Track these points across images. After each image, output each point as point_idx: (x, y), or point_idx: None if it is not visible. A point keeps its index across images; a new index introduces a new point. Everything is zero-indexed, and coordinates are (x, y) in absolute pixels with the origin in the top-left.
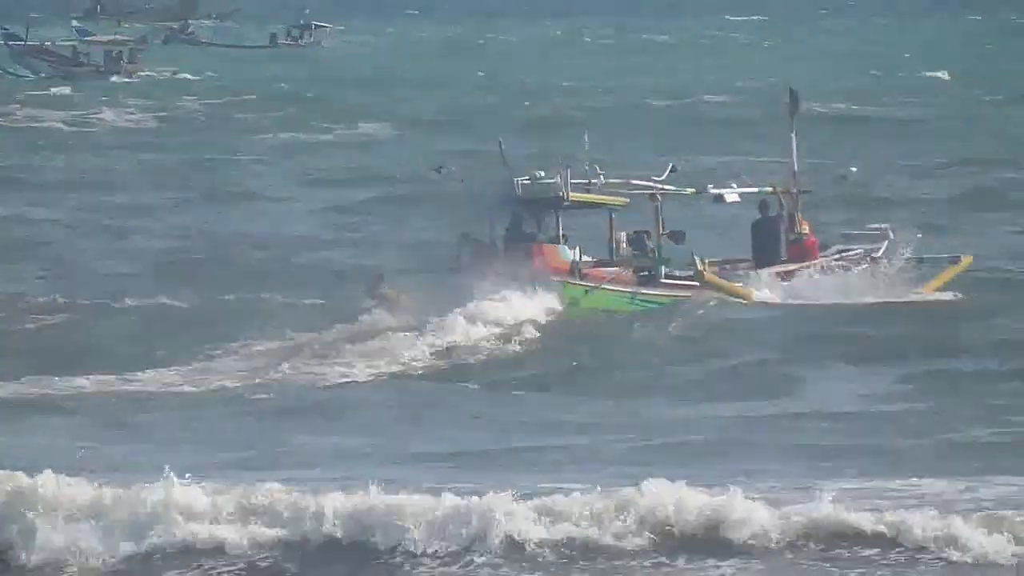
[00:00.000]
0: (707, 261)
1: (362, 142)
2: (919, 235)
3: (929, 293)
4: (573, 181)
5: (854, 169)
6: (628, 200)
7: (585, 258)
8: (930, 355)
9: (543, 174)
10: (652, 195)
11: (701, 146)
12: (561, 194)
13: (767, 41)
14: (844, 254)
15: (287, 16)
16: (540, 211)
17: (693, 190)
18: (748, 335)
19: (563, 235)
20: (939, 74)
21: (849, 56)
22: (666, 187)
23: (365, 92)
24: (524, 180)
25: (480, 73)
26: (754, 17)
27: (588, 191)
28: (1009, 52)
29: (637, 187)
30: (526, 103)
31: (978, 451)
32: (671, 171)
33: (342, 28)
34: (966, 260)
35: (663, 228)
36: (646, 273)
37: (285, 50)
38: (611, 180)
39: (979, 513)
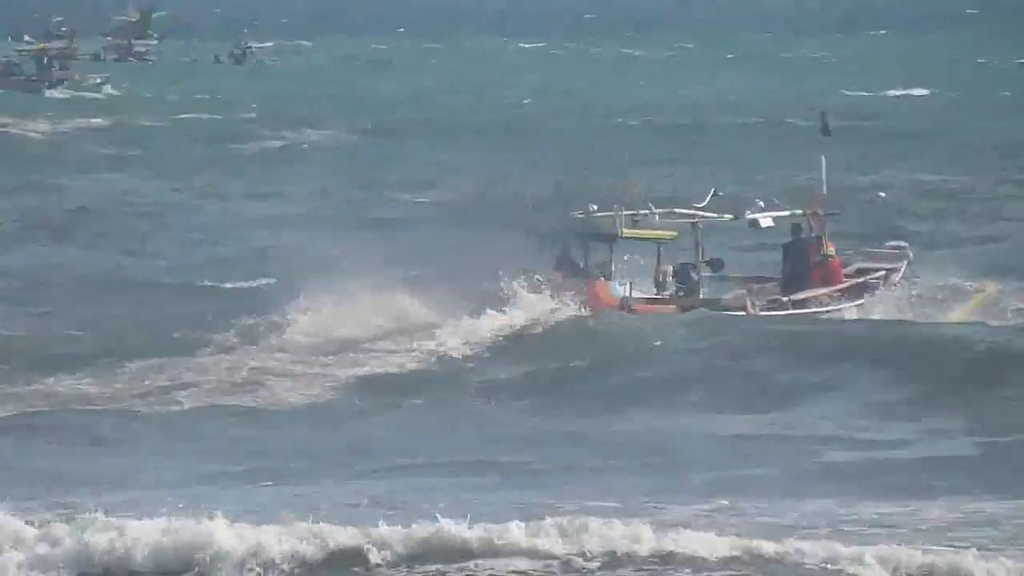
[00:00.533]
0: (733, 276)
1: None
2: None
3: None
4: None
5: (882, 194)
6: (677, 233)
7: (636, 293)
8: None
9: (596, 208)
10: (693, 224)
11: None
12: (616, 231)
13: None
14: (867, 276)
15: (250, 33)
16: (592, 244)
17: (731, 216)
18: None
19: (613, 270)
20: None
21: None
22: (707, 214)
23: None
24: (579, 214)
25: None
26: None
27: (636, 224)
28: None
29: (680, 216)
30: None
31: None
32: (713, 196)
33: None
34: (991, 288)
35: (702, 256)
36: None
37: (228, 66)
38: (656, 210)
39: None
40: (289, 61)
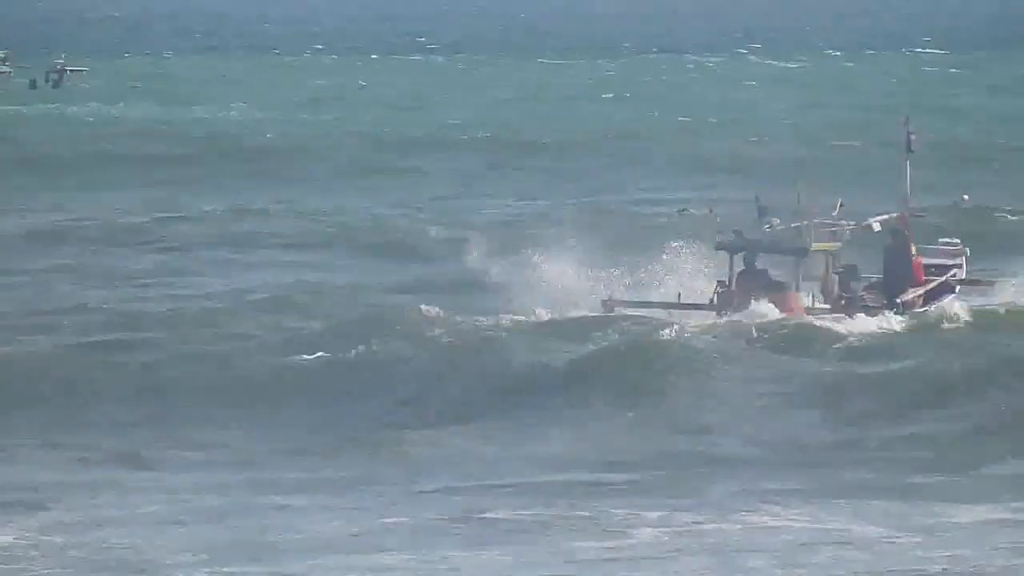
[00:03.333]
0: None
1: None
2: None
3: None
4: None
5: (966, 197)
6: (841, 244)
7: (820, 305)
8: None
9: (779, 221)
10: (832, 233)
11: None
12: (806, 244)
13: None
14: (947, 275)
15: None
16: (781, 257)
17: (855, 223)
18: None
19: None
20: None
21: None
22: (847, 223)
23: None
24: (768, 227)
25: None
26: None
27: (799, 234)
28: None
29: (831, 226)
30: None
31: None
32: (840, 207)
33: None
34: None
35: (837, 265)
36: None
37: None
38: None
39: None
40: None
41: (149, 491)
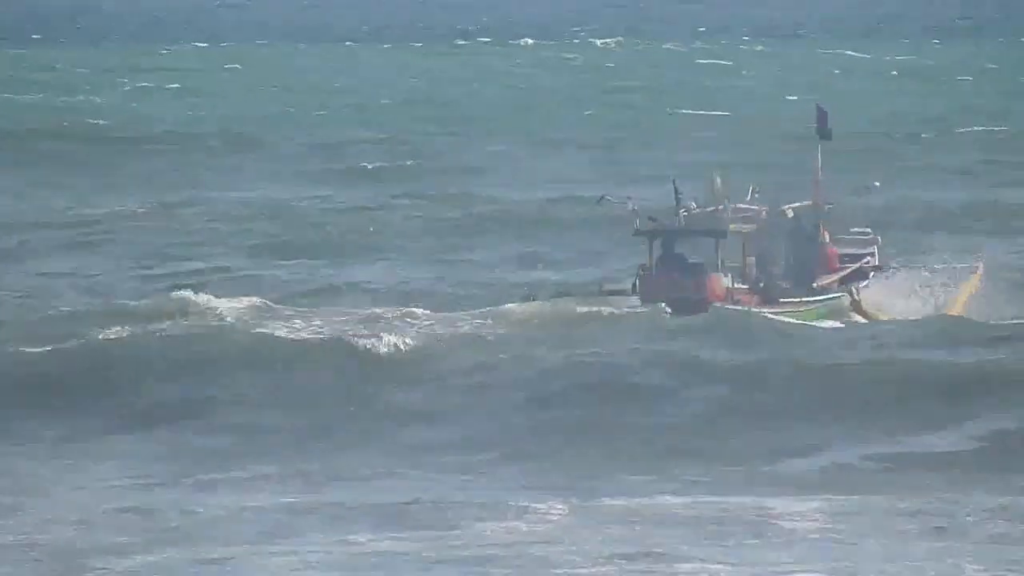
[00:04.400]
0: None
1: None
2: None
3: (957, 313)
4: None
5: (877, 184)
6: (756, 226)
7: (738, 284)
8: None
9: (695, 205)
10: (748, 217)
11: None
12: (725, 227)
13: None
14: (860, 262)
15: None
16: (699, 240)
17: (767, 208)
18: None
19: (720, 263)
20: None
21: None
22: (760, 208)
23: None
24: (685, 212)
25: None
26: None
27: (715, 217)
28: None
29: (746, 211)
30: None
31: None
32: (754, 192)
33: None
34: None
35: (753, 249)
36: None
37: None
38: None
39: None
40: None
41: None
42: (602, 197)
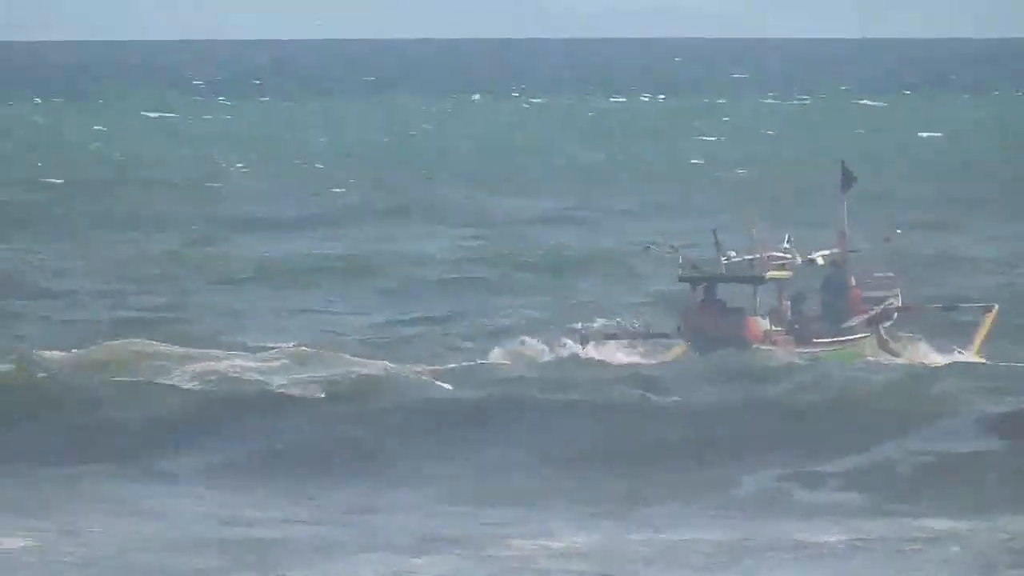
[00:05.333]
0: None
1: None
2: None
3: (975, 356)
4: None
5: (899, 231)
6: (791, 273)
7: (775, 328)
8: None
9: (735, 254)
10: (783, 264)
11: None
12: (762, 273)
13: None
14: (885, 304)
15: None
16: (738, 285)
17: (800, 257)
18: None
19: (757, 306)
20: None
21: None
22: (795, 255)
23: None
24: (725, 260)
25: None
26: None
27: (753, 265)
28: None
29: (782, 258)
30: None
31: None
32: (789, 240)
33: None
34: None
35: (788, 293)
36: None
37: None
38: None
39: None
40: None
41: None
42: (648, 247)
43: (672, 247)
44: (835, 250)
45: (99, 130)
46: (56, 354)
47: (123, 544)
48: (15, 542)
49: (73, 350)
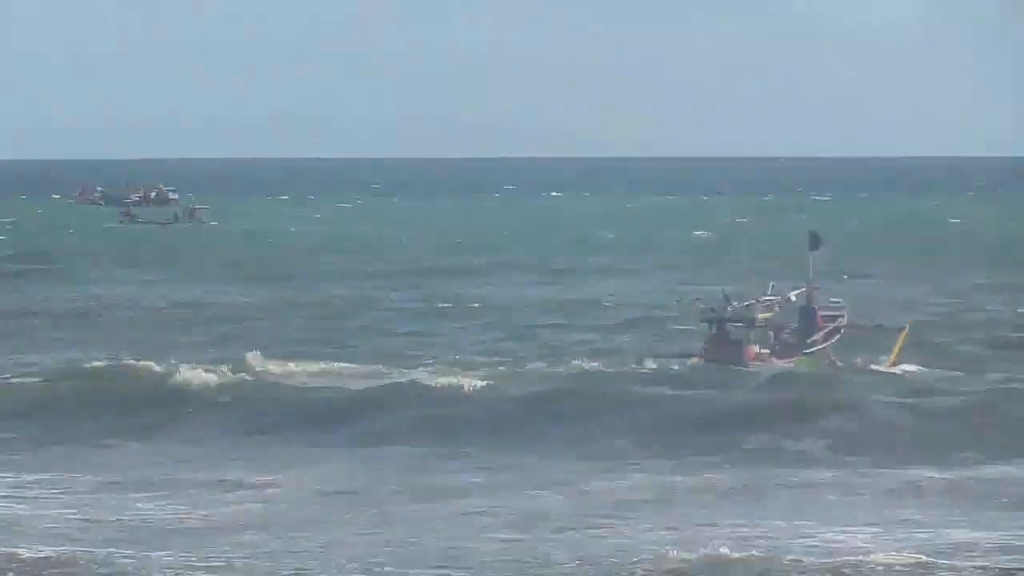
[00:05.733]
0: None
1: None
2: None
3: (891, 367)
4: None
5: (845, 276)
6: (774, 312)
7: (763, 350)
8: None
9: (737, 304)
10: (768, 306)
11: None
12: (755, 316)
13: None
14: (836, 323)
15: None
16: (743, 318)
17: (781, 297)
18: None
19: (759, 333)
20: None
21: None
22: (778, 296)
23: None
24: (731, 307)
25: None
26: None
27: (749, 309)
28: None
29: (767, 302)
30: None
31: None
32: (772, 288)
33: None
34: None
35: (771, 326)
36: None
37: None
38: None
39: None
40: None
41: None
42: (680, 299)
43: (697, 298)
44: (803, 289)
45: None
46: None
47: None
48: None
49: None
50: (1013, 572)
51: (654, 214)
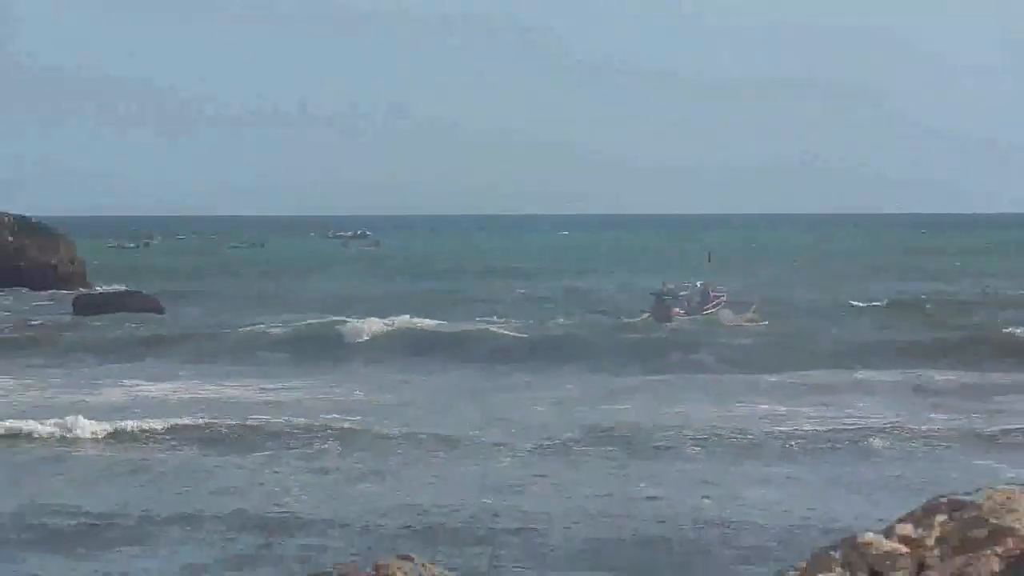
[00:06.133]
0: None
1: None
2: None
3: (746, 322)
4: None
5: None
6: (689, 292)
7: (680, 311)
8: None
9: (673, 286)
10: (684, 289)
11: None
12: (680, 293)
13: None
14: (718, 298)
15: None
16: (670, 296)
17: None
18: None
19: (679, 303)
20: None
21: None
22: (689, 284)
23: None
24: (665, 288)
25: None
26: None
27: (672, 289)
28: None
29: (686, 287)
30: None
31: None
32: (690, 282)
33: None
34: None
35: (686, 299)
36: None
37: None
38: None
39: None
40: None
41: None
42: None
43: (665, 283)
44: (703, 281)
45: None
46: None
47: None
48: None
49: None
50: (815, 432)
51: (630, 243)
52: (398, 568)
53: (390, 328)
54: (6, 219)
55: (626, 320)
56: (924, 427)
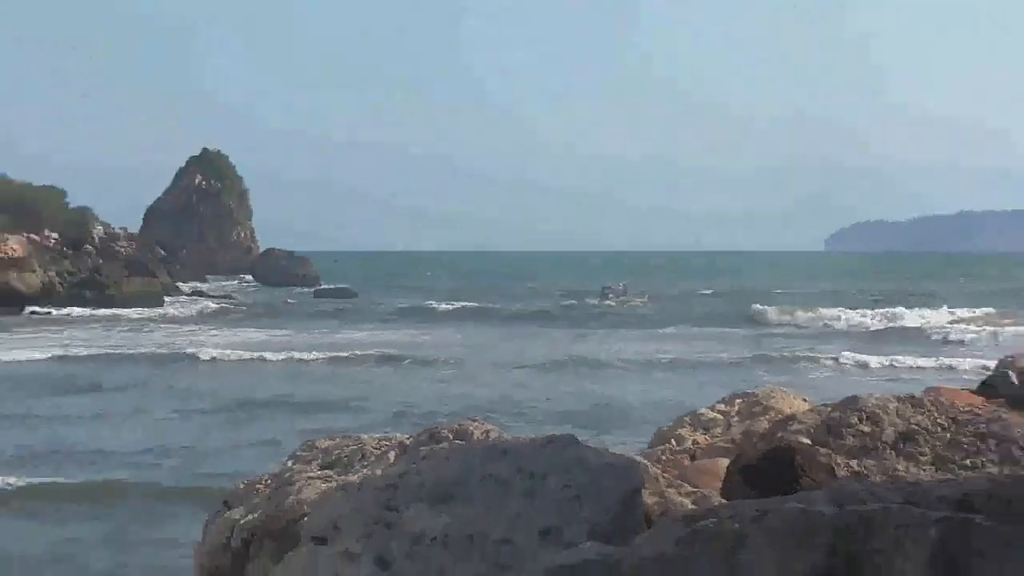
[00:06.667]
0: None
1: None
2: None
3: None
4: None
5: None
6: (624, 286)
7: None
8: None
9: (612, 285)
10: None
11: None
12: (621, 290)
13: None
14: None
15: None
16: (613, 291)
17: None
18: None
19: (623, 295)
20: None
21: None
22: (623, 284)
23: None
24: (607, 287)
25: None
26: None
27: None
28: None
29: (622, 285)
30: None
31: None
32: (626, 282)
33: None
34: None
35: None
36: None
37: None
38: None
39: None
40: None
41: None
42: (613, 284)
43: (622, 286)
44: (624, 283)
45: None
46: None
47: None
48: None
49: None
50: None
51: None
52: (475, 427)
53: (456, 308)
54: (284, 252)
55: (591, 301)
56: (736, 356)
